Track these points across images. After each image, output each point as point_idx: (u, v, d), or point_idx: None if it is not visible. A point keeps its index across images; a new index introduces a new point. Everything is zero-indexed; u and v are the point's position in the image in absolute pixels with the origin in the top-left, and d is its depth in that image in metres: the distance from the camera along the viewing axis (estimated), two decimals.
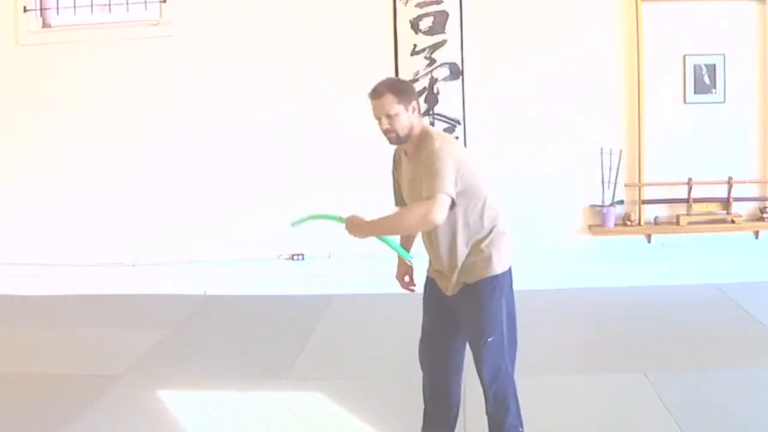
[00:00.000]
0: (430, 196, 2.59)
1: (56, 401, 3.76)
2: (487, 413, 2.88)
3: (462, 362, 2.98)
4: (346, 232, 2.75)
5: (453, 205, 2.65)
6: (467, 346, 2.92)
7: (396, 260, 3.10)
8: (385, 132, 2.76)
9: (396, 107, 2.71)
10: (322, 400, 3.71)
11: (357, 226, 2.72)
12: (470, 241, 2.77)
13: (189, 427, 3.47)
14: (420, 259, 3.02)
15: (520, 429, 2.88)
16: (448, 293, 2.84)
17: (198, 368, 4.20)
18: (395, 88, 2.77)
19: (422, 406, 3.07)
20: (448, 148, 2.68)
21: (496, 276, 2.78)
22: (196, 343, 4.67)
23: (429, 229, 2.76)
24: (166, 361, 4.34)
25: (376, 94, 2.77)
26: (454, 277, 2.79)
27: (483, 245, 2.76)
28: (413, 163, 2.77)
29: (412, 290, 3.09)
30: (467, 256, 2.77)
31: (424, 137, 2.75)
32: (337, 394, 3.73)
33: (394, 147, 2.93)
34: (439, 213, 2.58)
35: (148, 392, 3.85)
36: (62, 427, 3.45)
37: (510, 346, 2.84)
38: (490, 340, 2.76)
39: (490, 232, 2.78)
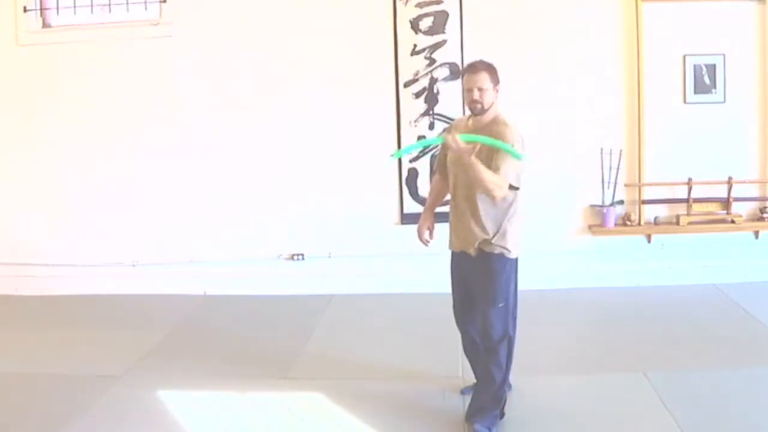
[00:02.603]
0: (501, 175, 3.11)
1: (56, 401, 3.77)
2: (484, 369, 3.36)
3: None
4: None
5: (514, 189, 3.21)
6: None
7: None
8: (473, 102, 3.24)
9: (487, 83, 3.22)
10: (322, 400, 3.71)
11: (458, 147, 3.07)
12: (493, 213, 3.24)
13: (189, 427, 3.47)
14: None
15: (508, 389, 3.45)
16: (470, 252, 3.30)
17: (198, 368, 4.19)
18: (490, 68, 3.29)
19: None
20: (523, 136, 3.24)
21: (507, 256, 3.27)
22: (196, 343, 4.67)
23: (466, 198, 3.27)
24: (166, 361, 4.34)
25: (474, 69, 3.28)
26: (476, 242, 3.26)
27: (503, 220, 3.25)
28: (482, 133, 3.21)
29: (427, 243, 3.55)
30: (489, 226, 3.24)
31: (499, 117, 3.29)
32: (337, 394, 3.74)
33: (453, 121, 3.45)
34: (503, 193, 3.15)
35: (148, 392, 3.85)
36: (62, 427, 3.45)
37: (513, 314, 3.36)
38: (501, 306, 3.26)
39: (510, 207, 3.26)
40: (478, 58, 3.39)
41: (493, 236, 3.25)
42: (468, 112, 3.38)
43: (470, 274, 3.37)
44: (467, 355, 3.64)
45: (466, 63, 5.29)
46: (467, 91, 3.27)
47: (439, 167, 3.59)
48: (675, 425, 3.28)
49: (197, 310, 5.33)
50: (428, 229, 3.55)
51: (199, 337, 4.78)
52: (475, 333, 3.47)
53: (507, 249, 3.27)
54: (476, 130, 3.27)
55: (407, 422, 3.43)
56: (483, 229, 3.26)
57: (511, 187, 3.19)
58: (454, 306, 3.55)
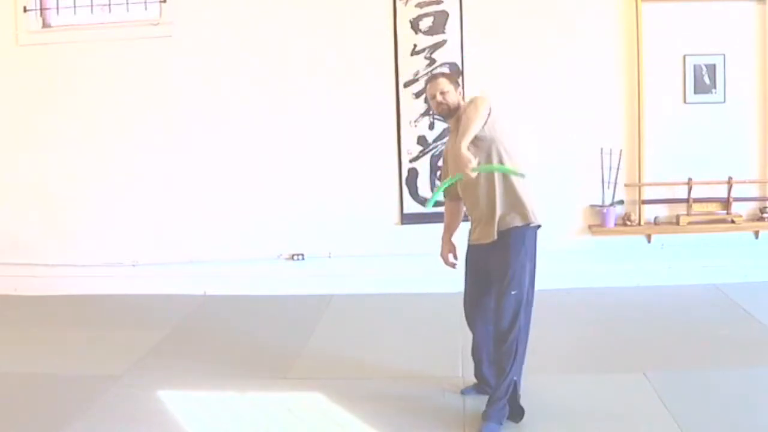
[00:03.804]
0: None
1: (56, 401, 3.76)
2: (495, 360, 3.36)
3: (490, 315, 3.44)
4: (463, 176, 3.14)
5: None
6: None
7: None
8: (438, 106, 3.42)
9: (447, 86, 3.41)
10: (322, 400, 3.71)
11: (463, 163, 3.09)
12: (506, 191, 3.31)
13: (189, 427, 3.47)
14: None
15: (518, 381, 3.34)
16: (489, 240, 3.33)
17: (198, 368, 4.19)
18: (447, 75, 3.65)
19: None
20: (478, 96, 3.30)
21: (526, 227, 3.31)
22: (196, 343, 4.67)
23: (471, 184, 3.30)
24: (166, 361, 4.34)
25: (432, 78, 3.53)
26: (495, 226, 3.30)
27: (516, 196, 3.31)
28: (457, 129, 3.28)
29: (454, 266, 3.66)
30: (504, 205, 3.30)
31: (462, 104, 3.43)
32: (337, 394, 3.73)
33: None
34: (485, 101, 3.20)
35: (148, 392, 3.85)
36: (62, 427, 3.45)
37: (527, 306, 3.35)
38: (513, 293, 3.27)
39: (520, 185, 3.32)
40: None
41: (510, 211, 3.30)
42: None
43: (488, 257, 3.38)
44: (473, 357, 3.62)
45: (460, 66, 5.36)
46: (431, 98, 3.45)
47: (449, 195, 3.64)
48: (675, 425, 3.28)
49: (197, 310, 5.33)
50: (450, 252, 3.66)
51: (199, 337, 4.78)
52: (483, 329, 3.49)
53: (525, 213, 3.29)
54: (454, 130, 3.39)
55: (407, 422, 3.43)
56: (498, 210, 3.31)
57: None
58: (464, 301, 3.58)
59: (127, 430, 3.48)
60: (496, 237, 3.31)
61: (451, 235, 3.69)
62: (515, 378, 3.30)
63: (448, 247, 3.68)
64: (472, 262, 3.53)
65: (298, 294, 5.53)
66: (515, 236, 3.31)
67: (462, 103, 3.45)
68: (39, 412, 3.64)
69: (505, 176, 3.30)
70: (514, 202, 3.31)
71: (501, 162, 3.28)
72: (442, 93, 3.41)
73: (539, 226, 3.36)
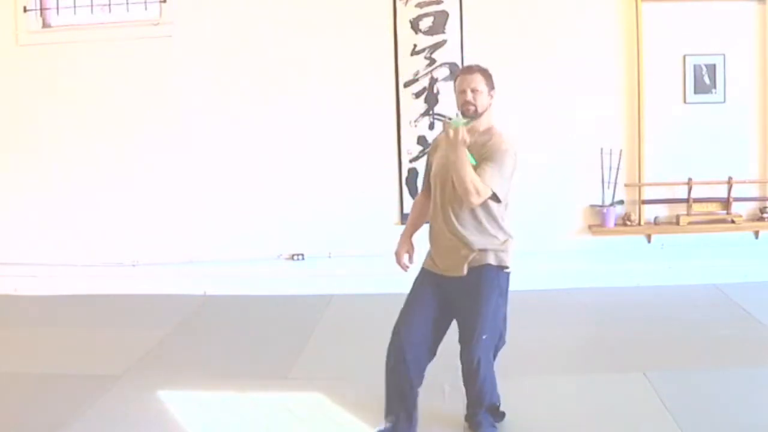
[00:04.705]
0: (485, 181, 2.92)
1: (56, 401, 3.76)
2: (477, 393, 3.17)
3: (428, 357, 3.14)
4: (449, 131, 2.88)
5: (495, 199, 3.01)
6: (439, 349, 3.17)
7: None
8: (466, 103, 3.03)
9: (482, 86, 3.03)
10: (322, 400, 3.71)
11: (453, 145, 2.86)
12: (493, 230, 3.05)
13: (189, 427, 3.47)
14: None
15: (497, 400, 3.26)
16: (454, 273, 3.02)
17: (198, 368, 4.19)
18: (486, 72, 3.11)
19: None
20: (517, 151, 3.06)
21: (501, 269, 3.05)
22: (196, 343, 4.68)
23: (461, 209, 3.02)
24: (166, 361, 4.34)
25: (469, 70, 3.11)
26: (466, 260, 3.00)
27: (501, 237, 3.06)
28: (475, 143, 3.01)
29: (407, 269, 3.31)
30: (479, 236, 3.02)
31: (493, 128, 3.11)
32: (337, 394, 3.73)
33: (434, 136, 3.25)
34: (480, 200, 2.94)
35: (148, 392, 3.85)
36: (62, 427, 3.45)
37: (499, 340, 3.16)
38: (484, 338, 3.01)
39: (506, 230, 3.09)
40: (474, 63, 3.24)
41: (485, 248, 3.01)
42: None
43: (452, 293, 3.07)
44: (408, 387, 3.10)
45: (460, 66, 5.35)
46: (460, 92, 3.06)
47: (425, 183, 3.33)
48: (675, 425, 3.28)
49: (197, 310, 5.33)
50: (407, 252, 3.30)
51: (199, 337, 4.78)
52: (415, 368, 3.05)
53: (502, 261, 3.03)
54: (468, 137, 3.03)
55: None
56: (472, 244, 3.01)
57: (494, 198, 2.99)
58: (398, 331, 3.09)
59: (127, 430, 3.48)
60: (465, 273, 3.00)
61: (413, 233, 3.33)
62: (494, 401, 3.24)
63: (406, 247, 3.30)
64: (427, 291, 3.12)
65: (298, 294, 5.53)
66: (487, 275, 3.02)
67: (490, 111, 3.09)
68: (39, 412, 3.64)
69: (487, 216, 3.02)
70: (493, 236, 3.03)
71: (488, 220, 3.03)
72: (474, 91, 3.02)
73: (508, 278, 3.10)
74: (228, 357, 4.37)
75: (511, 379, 3.61)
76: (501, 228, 3.08)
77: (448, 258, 3.07)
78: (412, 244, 3.31)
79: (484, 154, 2.99)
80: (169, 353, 4.47)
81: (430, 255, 3.19)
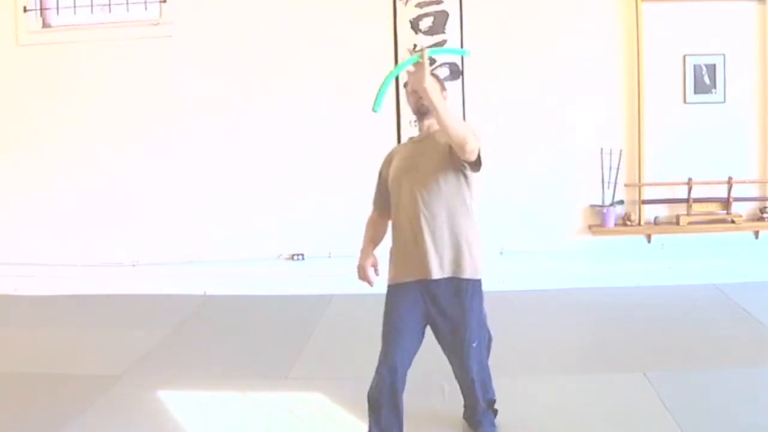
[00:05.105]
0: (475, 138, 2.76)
1: (56, 401, 3.76)
2: (475, 398, 3.17)
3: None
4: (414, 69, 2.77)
5: (477, 165, 2.87)
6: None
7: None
8: (418, 101, 2.94)
9: (431, 84, 2.76)
10: (322, 400, 3.71)
11: (421, 78, 2.71)
12: (467, 228, 2.97)
13: (189, 427, 3.47)
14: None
15: (493, 395, 3.26)
16: (434, 276, 2.94)
17: (198, 368, 4.20)
18: (434, 75, 2.91)
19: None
20: (484, 133, 2.92)
21: (479, 280, 3.03)
22: (196, 343, 4.67)
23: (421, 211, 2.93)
24: (166, 361, 4.34)
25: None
26: (448, 256, 2.93)
27: (475, 241, 2.99)
28: (430, 140, 2.99)
29: (372, 283, 3.22)
30: (452, 245, 2.94)
31: None
32: (337, 394, 3.73)
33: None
34: (474, 144, 2.77)
35: (148, 392, 3.85)
36: (62, 427, 3.45)
37: (487, 342, 3.17)
38: (474, 345, 3.03)
39: (476, 226, 3.01)
40: None
41: (461, 257, 2.95)
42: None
43: (435, 309, 2.98)
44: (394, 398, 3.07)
45: (460, 67, 5.36)
46: (411, 94, 2.99)
47: (378, 200, 3.26)
48: (675, 425, 3.27)
49: (197, 310, 5.33)
50: (372, 265, 3.20)
51: (199, 337, 4.78)
52: (403, 380, 3.01)
53: (479, 274, 2.99)
54: (424, 139, 3.03)
55: (407, 422, 3.41)
56: (444, 250, 2.93)
57: (476, 164, 2.85)
58: (384, 368, 3.02)
59: (127, 430, 3.48)
60: (438, 276, 2.92)
61: (374, 246, 3.23)
62: (490, 396, 3.25)
63: (371, 260, 3.20)
64: (402, 312, 2.98)
65: (298, 294, 5.53)
66: (467, 288, 2.99)
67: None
68: (39, 412, 3.64)
69: (462, 214, 2.94)
70: (466, 245, 2.95)
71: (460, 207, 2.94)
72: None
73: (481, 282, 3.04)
74: (228, 357, 4.37)
75: (511, 379, 3.61)
76: (471, 219, 2.98)
77: (420, 262, 2.95)
78: (375, 257, 3.22)
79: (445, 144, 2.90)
80: (169, 353, 4.47)
81: (397, 267, 3.04)
